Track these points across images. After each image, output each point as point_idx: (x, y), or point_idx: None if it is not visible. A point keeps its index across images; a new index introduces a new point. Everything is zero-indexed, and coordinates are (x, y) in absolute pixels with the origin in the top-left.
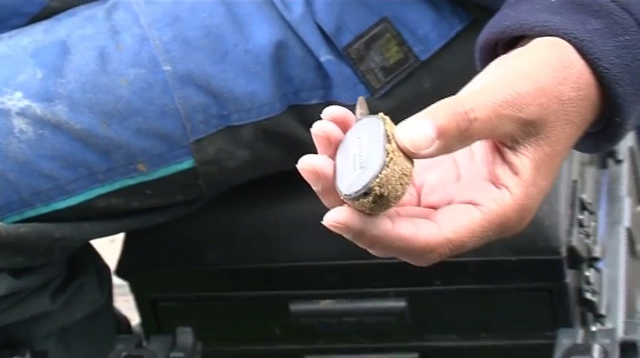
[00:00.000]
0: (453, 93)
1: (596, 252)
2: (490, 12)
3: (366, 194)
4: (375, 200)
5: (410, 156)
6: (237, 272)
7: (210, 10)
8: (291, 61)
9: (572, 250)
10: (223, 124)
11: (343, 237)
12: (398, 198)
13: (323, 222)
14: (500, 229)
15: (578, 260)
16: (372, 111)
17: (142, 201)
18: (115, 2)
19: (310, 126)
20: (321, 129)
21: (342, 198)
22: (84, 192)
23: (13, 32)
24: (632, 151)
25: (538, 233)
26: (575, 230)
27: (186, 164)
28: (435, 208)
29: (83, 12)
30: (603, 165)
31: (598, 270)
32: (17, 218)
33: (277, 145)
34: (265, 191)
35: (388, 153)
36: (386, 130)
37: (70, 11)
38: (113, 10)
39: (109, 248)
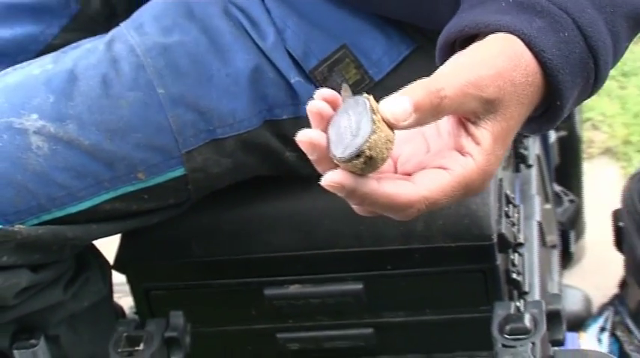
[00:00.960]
0: None
1: (520, 238)
2: (431, 38)
3: (358, 156)
4: (366, 161)
5: (392, 127)
6: (218, 263)
7: (196, 40)
8: (266, 82)
9: (501, 237)
10: (209, 137)
11: (307, 231)
12: (384, 160)
13: (321, 183)
14: (466, 189)
15: (506, 245)
16: None
17: (141, 205)
18: (112, 36)
19: (282, 138)
20: (315, 107)
21: (336, 161)
22: (92, 198)
23: (25, 64)
24: (539, 158)
25: (473, 222)
26: (503, 220)
27: (178, 172)
28: (409, 175)
29: (85, 45)
30: (517, 169)
31: (521, 254)
32: (35, 221)
33: (254, 154)
34: (242, 193)
35: (375, 123)
36: (371, 105)
37: (74, 45)
38: (112, 43)
39: (107, 246)
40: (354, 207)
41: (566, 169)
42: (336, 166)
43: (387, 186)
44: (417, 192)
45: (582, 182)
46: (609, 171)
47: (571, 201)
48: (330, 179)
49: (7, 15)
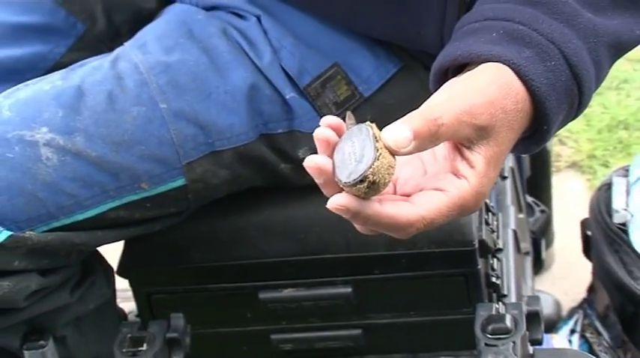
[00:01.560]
0: (389, 123)
1: (499, 244)
2: (416, 57)
3: (362, 181)
4: (369, 185)
5: (393, 153)
6: (216, 268)
7: (196, 59)
8: (262, 98)
9: (482, 243)
10: (209, 150)
11: (299, 238)
12: (386, 184)
13: (327, 206)
14: (461, 209)
15: (487, 250)
16: None
17: (143, 213)
18: (117, 55)
19: (277, 151)
20: (322, 134)
21: (341, 186)
22: (98, 207)
23: (35, 80)
24: (512, 171)
25: (455, 229)
26: (484, 226)
27: (179, 182)
28: (408, 196)
29: (92, 63)
30: None
31: (500, 260)
32: (45, 228)
33: (250, 166)
34: (238, 202)
35: (377, 150)
36: (374, 133)
37: (81, 63)
38: (117, 61)
39: (110, 252)
40: (358, 226)
41: (536, 181)
42: (341, 189)
43: (389, 207)
44: (416, 212)
45: (551, 193)
46: (575, 183)
47: (542, 211)
48: (336, 202)
49: (17, 35)
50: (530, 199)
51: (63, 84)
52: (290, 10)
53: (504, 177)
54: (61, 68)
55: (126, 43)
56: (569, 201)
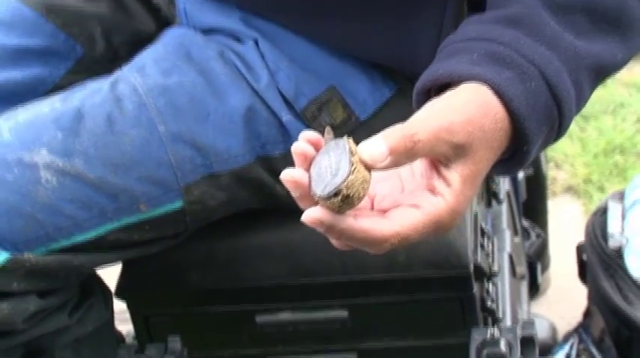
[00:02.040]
0: None
1: (495, 268)
2: (412, 81)
3: (336, 194)
4: (343, 199)
5: (368, 168)
6: (213, 291)
7: (193, 81)
8: (259, 120)
9: (477, 267)
10: (206, 172)
11: (296, 262)
12: (360, 198)
13: (302, 219)
14: (436, 226)
15: (482, 274)
16: None
17: (142, 235)
18: (116, 78)
19: (274, 173)
20: (299, 148)
21: (316, 199)
22: (97, 228)
23: (34, 102)
24: (508, 194)
25: (451, 253)
26: (479, 251)
27: (177, 204)
28: (385, 212)
29: (91, 85)
30: (488, 204)
31: (495, 284)
32: (44, 250)
33: (247, 188)
34: (235, 225)
35: (353, 164)
36: (350, 147)
37: (80, 86)
38: (116, 84)
39: (108, 275)
40: (333, 241)
41: (533, 205)
42: (317, 203)
43: (363, 222)
44: (391, 227)
45: (547, 217)
46: (571, 207)
47: (538, 235)
48: (310, 215)
49: (17, 59)
50: (526, 223)
51: (62, 106)
52: (286, 33)
53: (500, 201)
54: (60, 90)
55: (125, 66)
56: (565, 226)
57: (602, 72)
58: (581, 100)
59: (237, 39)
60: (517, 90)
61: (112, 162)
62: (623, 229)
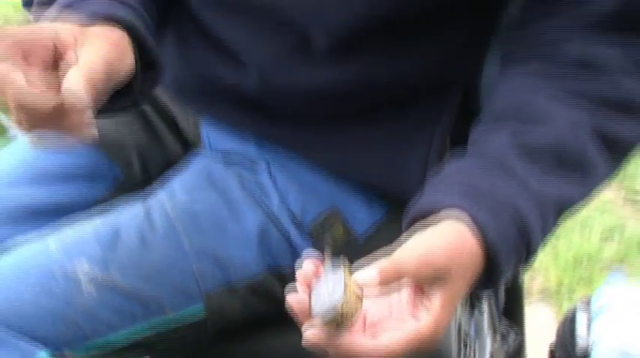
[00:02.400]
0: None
1: None
2: (405, 202)
3: (332, 315)
4: (338, 319)
5: (361, 291)
6: None
7: (212, 201)
8: (271, 239)
9: None
10: (225, 282)
11: None
12: (354, 317)
13: (302, 343)
14: (419, 343)
15: None
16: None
17: (166, 338)
18: (150, 201)
19: (284, 284)
20: (302, 275)
21: (314, 316)
22: (127, 329)
23: (78, 219)
24: (489, 299)
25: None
26: (462, 355)
27: (199, 311)
28: (375, 333)
29: (128, 207)
30: (472, 309)
31: None
32: (80, 347)
33: (261, 298)
34: (251, 329)
35: (347, 286)
36: (345, 273)
37: (118, 205)
38: (149, 205)
39: None
40: (330, 355)
41: (511, 308)
42: (315, 321)
43: (358, 338)
44: (380, 344)
45: (524, 320)
46: (544, 311)
47: (516, 334)
48: (311, 336)
49: (66, 179)
50: (505, 323)
51: (102, 223)
52: (294, 159)
53: (482, 311)
54: (100, 203)
55: (158, 190)
56: (538, 328)
57: (564, 207)
58: (547, 233)
59: (253, 161)
60: (490, 228)
61: (144, 273)
62: (589, 334)
